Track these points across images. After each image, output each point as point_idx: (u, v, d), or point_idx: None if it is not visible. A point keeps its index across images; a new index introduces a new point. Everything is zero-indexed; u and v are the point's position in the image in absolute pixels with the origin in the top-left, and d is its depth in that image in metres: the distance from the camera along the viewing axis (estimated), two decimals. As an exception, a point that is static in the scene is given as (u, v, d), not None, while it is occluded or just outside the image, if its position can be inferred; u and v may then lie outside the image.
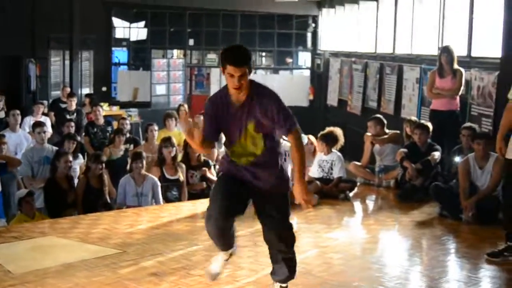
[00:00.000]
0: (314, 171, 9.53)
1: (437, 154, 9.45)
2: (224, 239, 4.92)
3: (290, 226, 4.91)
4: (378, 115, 10.99)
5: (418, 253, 7.16)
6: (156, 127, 11.32)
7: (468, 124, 9.70)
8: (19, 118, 11.64)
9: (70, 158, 9.16)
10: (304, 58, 22.33)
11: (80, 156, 10.41)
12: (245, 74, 4.68)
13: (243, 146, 4.82)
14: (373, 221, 8.10)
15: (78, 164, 10.16)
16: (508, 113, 6.55)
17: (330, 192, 9.17)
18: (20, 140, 11.09)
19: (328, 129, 9.80)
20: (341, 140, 9.66)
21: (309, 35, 21.44)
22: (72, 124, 12.20)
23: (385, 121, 10.73)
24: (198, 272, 5.90)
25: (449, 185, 8.53)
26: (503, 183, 6.89)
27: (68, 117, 13.60)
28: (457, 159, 9.04)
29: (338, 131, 9.71)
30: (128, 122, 12.48)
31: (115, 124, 12.84)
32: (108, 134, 12.41)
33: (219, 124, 4.82)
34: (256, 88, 4.82)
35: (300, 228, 7.83)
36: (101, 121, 12.81)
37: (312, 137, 10.15)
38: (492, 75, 10.45)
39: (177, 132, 11.89)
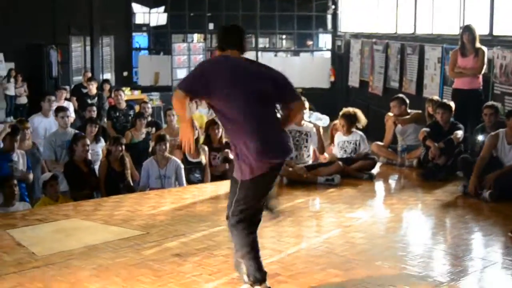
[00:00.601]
0: (336, 152, 9.51)
1: (460, 133, 9.38)
2: None
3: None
4: (401, 95, 10.92)
5: (441, 232, 7.13)
6: (174, 112, 11.29)
7: (490, 102, 9.64)
8: (54, 104, 11.68)
9: (88, 142, 9.18)
10: (325, 40, 22.27)
11: (102, 140, 10.44)
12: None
13: None
14: (396, 201, 8.07)
15: (100, 147, 10.19)
16: None
17: (353, 173, 9.13)
18: (50, 125, 11.14)
19: (346, 109, 9.75)
20: (362, 120, 9.58)
21: (329, 17, 21.37)
22: (94, 108, 12.25)
23: (408, 101, 10.66)
24: (221, 253, 5.91)
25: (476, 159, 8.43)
26: None
27: (89, 101, 13.67)
28: (480, 137, 8.99)
29: (358, 112, 9.65)
30: (149, 105, 12.53)
31: (137, 108, 12.88)
32: (130, 118, 12.45)
33: None
34: None
35: (323, 208, 7.85)
36: (123, 105, 12.84)
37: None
38: (515, 53, 10.37)
39: (198, 114, 11.90)
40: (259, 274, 4.76)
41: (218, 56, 4.93)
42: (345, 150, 9.46)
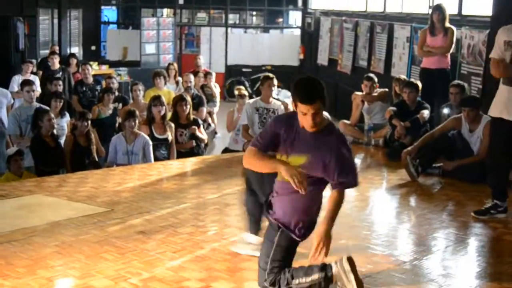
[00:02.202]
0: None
1: (426, 113, 9.44)
2: None
3: None
4: (372, 74, 10.94)
5: (405, 211, 7.18)
6: (140, 87, 11.26)
7: (456, 81, 9.71)
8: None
9: (53, 116, 9.09)
10: (295, 17, 22.19)
11: (67, 114, 10.33)
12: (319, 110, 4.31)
13: None
14: (361, 179, 7.93)
15: (66, 122, 10.10)
16: (493, 70, 6.49)
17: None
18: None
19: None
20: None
21: (299, -7, 21.29)
22: (60, 82, 12.11)
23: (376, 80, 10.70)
24: (185, 230, 5.90)
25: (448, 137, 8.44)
26: (489, 140, 6.89)
27: (55, 75, 13.50)
28: (446, 110, 9.07)
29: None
30: (115, 80, 12.42)
31: (103, 83, 12.77)
32: (97, 93, 12.35)
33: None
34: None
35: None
36: (90, 80, 12.73)
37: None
38: (482, 34, 10.40)
39: (166, 91, 11.84)
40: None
41: None
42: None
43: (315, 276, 4.41)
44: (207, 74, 12.77)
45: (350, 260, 4.33)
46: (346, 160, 4.41)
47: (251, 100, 9.46)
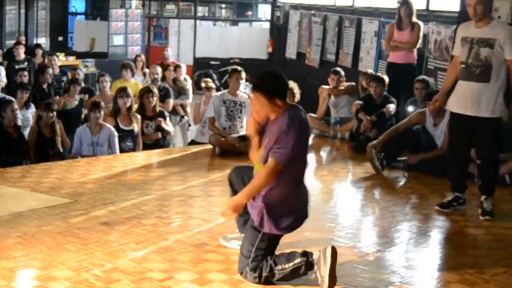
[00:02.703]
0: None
1: (392, 107, 9.50)
2: None
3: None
4: (339, 68, 10.98)
5: (369, 204, 7.22)
6: (107, 78, 11.20)
7: (421, 77, 9.78)
8: None
9: (16, 107, 9.00)
10: (264, 10, 22.17)
11: (32, 105, 10.23)
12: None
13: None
14: (327, 172, 8.14)
15: (31, 113, 10.00)
16: (451, 67, 6.62)
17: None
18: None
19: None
20: (297, 94, 9.57)
21: (269, -13, 21.29)
22: (25, 73, 11.98)
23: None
24: (149, 222, 5.88)
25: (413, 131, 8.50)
26: (448, 135, 6.98)
27: (17, 66, 13.36)
28: (411, 108, 9.14)
29: (293, 84, 9.63)
30: (81, 71, 12.31)
31: (69, 74, 12.67)
32: (63, 83, 12.24)
33: None
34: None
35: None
36: (56, 70, 12.64)
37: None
38: (449, 29, 10.50)
39: (133, 82, 11.78)
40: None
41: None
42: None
43: (297, 260, 4.54)
44: (177, 67, 12.73)
45: (334, 251, 4.42)
46: (284, 138, 4.49)
47: (219, 93, 9.44)
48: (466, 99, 6.34)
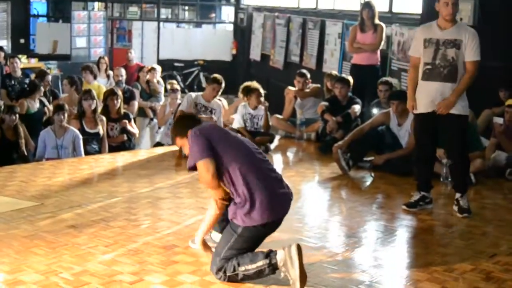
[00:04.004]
0: (236, 123, 9.46)
1: (357, 108, 9.57)
2: None
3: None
4: (305, 71, 11.01)
5: (337, 204, 7.26)
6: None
7: (384, 78, 9.87)
8: None
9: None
10: (227, 12, 22.17)
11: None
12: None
13: None
14: (294, 173, 8.15)
15: (-6, 116, 9.87)
16: (412, 69, 6.68)
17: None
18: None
19: (249, 83, 9.71)
20: (263, 94, 9.57)
21: (232, -11, 21.30)
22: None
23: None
24: (117, 224, 5.85)
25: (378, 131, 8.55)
26: (414, 135, 7.03)
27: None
28: (375, 111, 9.20)
29: (258, 85, 9.63)
30: (49, 76, 12.14)
31: (32, 76, 12.53)
32: (25, 86, 12.09)
33: None
34: None
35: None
36: (19, 73, 12.47)
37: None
38: (412, 31, 10.58)
39: (96, 85, 11.71)
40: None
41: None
42: (246, 124, 9.40)
43: (260, 263, 4.56)
44: (151, 69, 12.66)
45: (299, 248, 4.47)
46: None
47: (194, 94, 9.40)
48: (435, 99, 6.40)
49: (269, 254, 4.58)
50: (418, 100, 6.56)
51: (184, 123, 5.08)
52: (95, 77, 12.08)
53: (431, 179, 6.78)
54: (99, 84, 11.98)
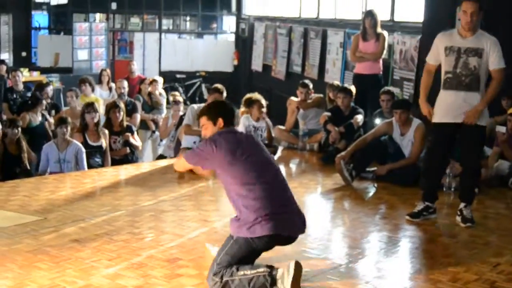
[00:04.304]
0: None
1: (360, 117, 9.56)
2: None
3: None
4: (307, 81, 11.02)
5: (340, 215, 7.26)
6: (74, 93, 11.15)
7: (386, 88, 9.86)
8: None
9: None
10: (229, 22, 22.22)
11: (-1, 123, 10.12)
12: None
13: None
14: (297, 184, 8.13)
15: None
16: (426, 75, 6.65)
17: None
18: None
19: (251, 94, 9.73)
20: (265, 105, 9.57)
21: (233, -1, 21.34)
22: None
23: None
24: (120, 238, 5.85)
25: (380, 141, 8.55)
26: (429, 145, 7.00)
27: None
28: (378, 121, 9.19)
29: (259, 96, 9.64)
30: (50, 89, 12.17)
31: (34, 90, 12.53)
32: (27, 100, 12.11)
33: None
34: None
35: (224, 192, 7.82)
36: (21, 86, 12.50)
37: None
38: (414, 39, 10.61)
39: (94, 97, 11.75)
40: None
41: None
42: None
43: (260, 269, 4.56)
44: (153, 81, 12.69)
45: (297, 264, 4.48)
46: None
47: (196, 106, 9.40)
48: (457, 108, 6.37)
49: (271, 266, 4.58)
50: (438, 109, 6.52)
51: (219, 109, 5.08)
52: (93, 90, 12.12)
53: (437, 190, 6.77)
54: (96, 97, 12.02)
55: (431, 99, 6.66)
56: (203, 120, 5.04)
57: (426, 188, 6.75)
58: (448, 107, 6.43)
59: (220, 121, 4.95)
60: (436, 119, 6.55)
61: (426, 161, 6.92)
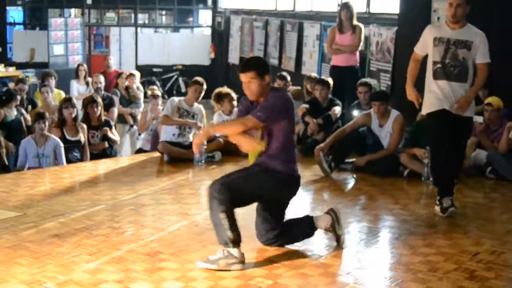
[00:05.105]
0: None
1: (337, 109, 9.59)
2: None
3: None
4: (284, 73, 11.04)
5: (319, 206, 7.25)
6: (49, 89, 11.11)
7: (363, 80, 9.90)
8: None
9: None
10: (205, 16, 22.18)
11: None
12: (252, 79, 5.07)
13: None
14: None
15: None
16: (413, 63, 6.70)
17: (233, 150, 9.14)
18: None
19: (220, 89, 9.78)
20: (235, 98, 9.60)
21: (209, -8, 21.30)
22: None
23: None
24: (101, 232, 5.83)
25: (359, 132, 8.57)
26: (428, 139, 7.01)
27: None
28: (355, 113, 9.23)
29: (229, 90, 9.67)
30: (25, 85, 12.09)
31: (11, 85, 12.46)
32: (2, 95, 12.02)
33: None
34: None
35: (204, 185, 7.83)
36: (-4, 82, 12.42)
37: None
38: (390, 31, 10.67)
39: (56, 91, 11.77)
40: None
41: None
42: None
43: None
44: (130, 75, 12.64)
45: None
46: (264, 103, 5.10)
47: (176, 98, 9.38)
48: (447, 98, 6.43)
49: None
50: (429, 99, 6.54)
51: (267, 65, 5.24)
52: (56, 84, 12.14)
53: (454, 182, 6.64)
54: (59, 91, 11.98)
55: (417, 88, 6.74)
56: (249, 75, 5.07)
57: (445, 181, 6.55)
58: (439, 96, 6.47)
59: (268, 78, 5.11)
60: (428, 109, 6.56)
61: (434, 156, 6.75)
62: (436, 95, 6.51)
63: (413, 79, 6.68)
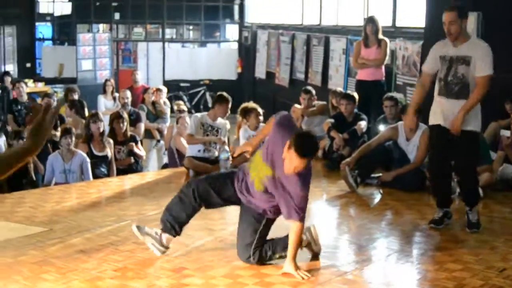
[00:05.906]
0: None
1: (363, 124, 9.55)
2: None
3: None
4: (310, 88, 11.02)
5: (346, 222, 7.26)
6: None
7: (390, 94, 9.83)
8: None
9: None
10: (232, 31, 22.27)
11: (3, 134, 10.14)
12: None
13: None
14: (302, 191, 8.13)
15: (2, 142, 9.91)
16: (420, 87, 6.71)
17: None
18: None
19: (246, 104, 9.77)
20: (261, 114, 9.59)
21: (236, 7, 21.39)
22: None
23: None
24: (126, 248, 5.85)
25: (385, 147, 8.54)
26: (429, 149, 7.02)
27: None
28: (381, 127, 9.18)
29: (256, 105, 9.67)
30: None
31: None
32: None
33: None
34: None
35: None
36: (25, 98, 12.54)
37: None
38: (416, 45, 10.61)
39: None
40: None
41: None
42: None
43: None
44: (157, 90, 12.73)
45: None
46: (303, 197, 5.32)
47: (199, 114, 9.42)
48: (444, 114, 6.40)
49: None
50: (432, 113, 6.56)
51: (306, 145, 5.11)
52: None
53: (450, 194, 6.76)
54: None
55: (425, 104, 6.80)
56: (288, 150, 5.02)
57: (438, 194, 6.71)
58: (440, 112, 6.47)
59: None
60: (430, 121, 6.62)
61: (429, 167, 6.96)
62: (433, 110, 6.54)
63: (416, 105, 6.77)
